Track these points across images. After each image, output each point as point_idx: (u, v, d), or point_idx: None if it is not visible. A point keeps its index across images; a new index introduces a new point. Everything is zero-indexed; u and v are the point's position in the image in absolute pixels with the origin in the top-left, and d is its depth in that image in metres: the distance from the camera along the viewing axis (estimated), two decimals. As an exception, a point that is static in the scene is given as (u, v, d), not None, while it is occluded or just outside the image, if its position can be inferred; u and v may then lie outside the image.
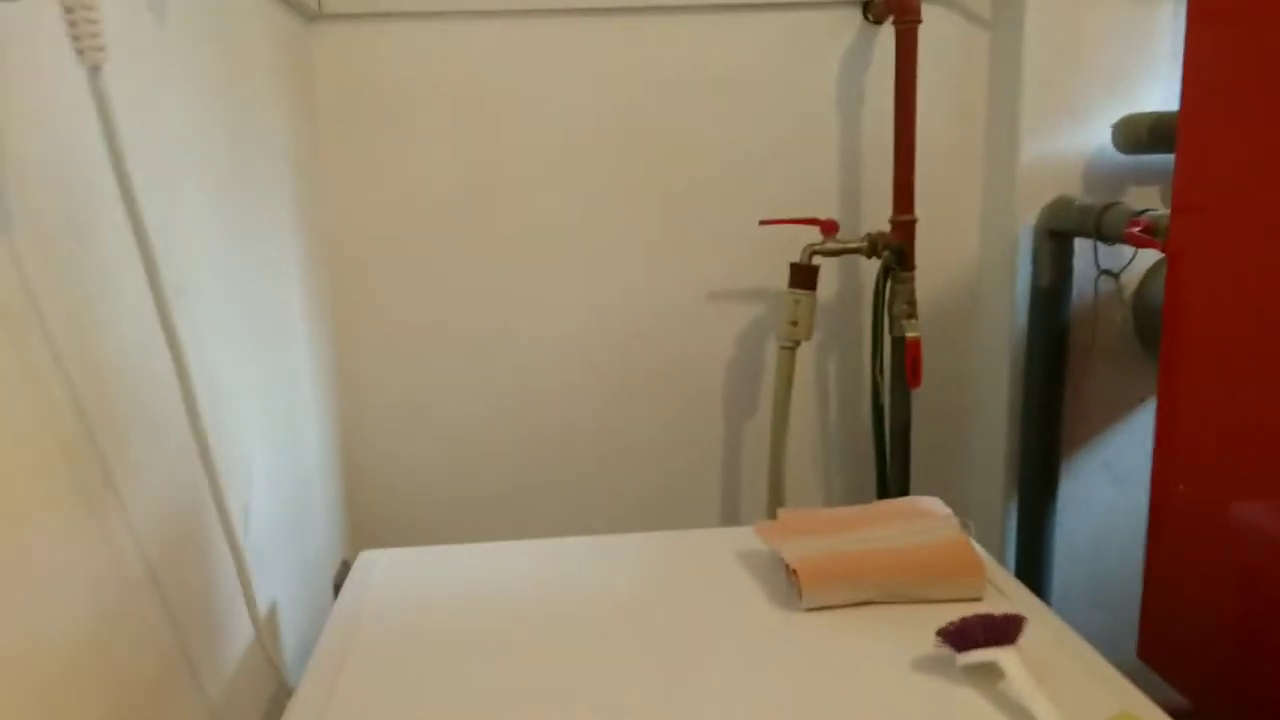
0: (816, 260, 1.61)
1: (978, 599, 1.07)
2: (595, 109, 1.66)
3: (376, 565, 1.25)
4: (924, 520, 1.16)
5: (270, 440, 1.32)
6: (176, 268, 1.01)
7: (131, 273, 0.87)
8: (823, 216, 1.63)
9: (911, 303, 1.66)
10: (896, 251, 1.66)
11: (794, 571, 1.08)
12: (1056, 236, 1.64)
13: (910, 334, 1.66)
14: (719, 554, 1.24)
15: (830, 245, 1.61)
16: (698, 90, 1.68)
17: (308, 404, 1.55)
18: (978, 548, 1.15)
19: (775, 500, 1.68)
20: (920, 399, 1.76)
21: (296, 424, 1.47)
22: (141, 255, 0.74)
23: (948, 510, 1.21)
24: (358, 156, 1.65)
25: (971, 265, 1.81)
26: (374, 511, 1.83)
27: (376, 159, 1.65)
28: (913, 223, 1.67)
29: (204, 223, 1.11)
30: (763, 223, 1.65)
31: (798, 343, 1.62)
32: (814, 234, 1.63)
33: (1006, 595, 1.09)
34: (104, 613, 0.81)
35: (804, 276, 1.60)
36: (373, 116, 1.64)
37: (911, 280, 1.66)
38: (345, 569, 1.79)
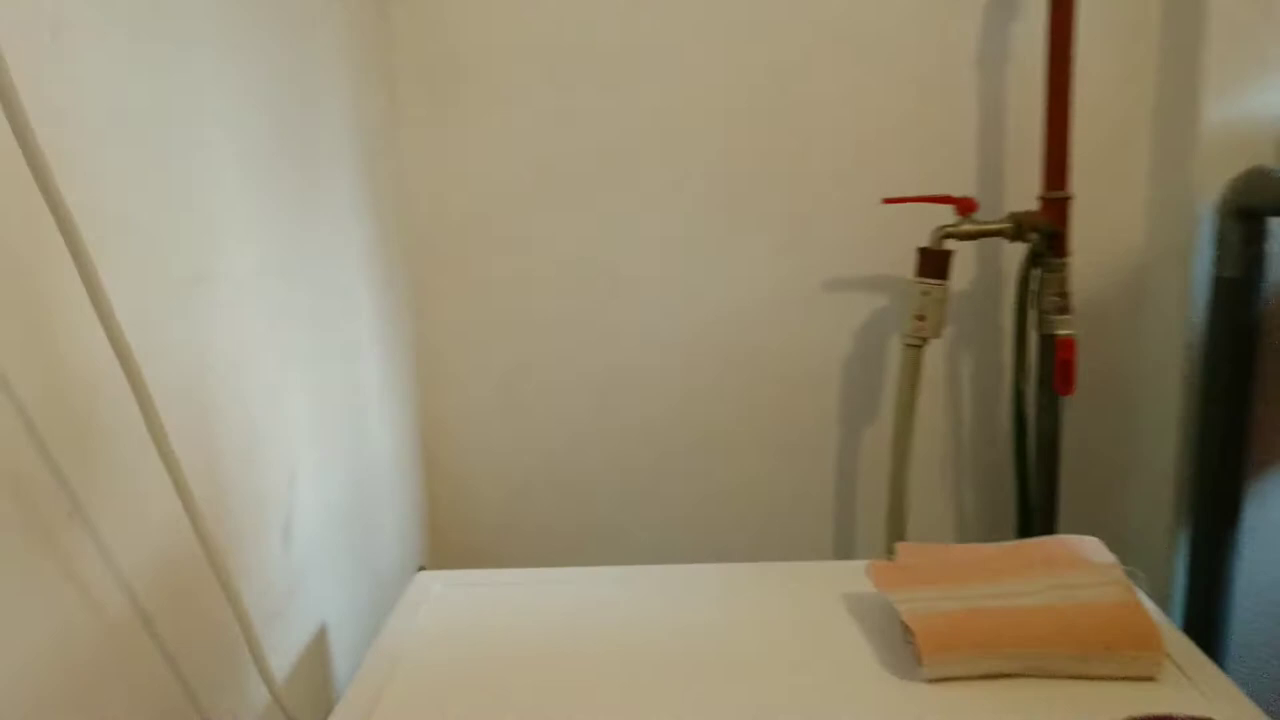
0: (949, 244, 1.40)
1: (1150, 678, 0.84)
2: (699, 72, 1.50)
3: (431, 589, 1.11)
4: (1080, 570, 0.94)
5: (324, 438, 1.20)
6: (196, 254, 0.89)
7: (113, 264, 0.73)
8: (958, 193, 1.42)
9: (1064, 295, 1.41)
10: (1047, 234, 1.41)
11: (913, 631, 0.88)
12: (1247, 216, 1.37)
13: (1061, 332, 1.41)
14: (824, 595, 1.05)
15: (966, 226, 1.39)
16: (811, 47, 1.50)
17: (376, 396, 1.43)
18: (1153, 610, 0.92)
19: (895, 525, 1.47)
20: (1072, 408, 1.52)
21: (361, 418, 1.35)
22: (65, 239, 0.60)
23: (1110, 556, 0.98)
24: (442, 126, 1.52)
25: (1137, 250, 1.54)
26: (456, 511, 1.71)
27: (463, 129, 1.52)
28: (1067, 200, 1.42)
29: (239, 200, 0.98)
30: (886, 201, 1.45)
31: (925, 340, 1.42)
32: (947, 213, 1.42)
33: (1188, 675, 0.86)
34: (75, 668, 0.68)
35: (934, 263, 1.40)
36: (460, 81, 1.51)
37: (1064, 268, 1.41)
38: (422, 575, 1.66)
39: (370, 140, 1.43)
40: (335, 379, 1.25)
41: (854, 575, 1.06)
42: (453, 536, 1.71)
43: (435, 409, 1.67)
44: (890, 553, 1.08)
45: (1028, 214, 1.44)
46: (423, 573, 1.15)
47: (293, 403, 1.10)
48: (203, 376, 0.89)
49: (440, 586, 1.11)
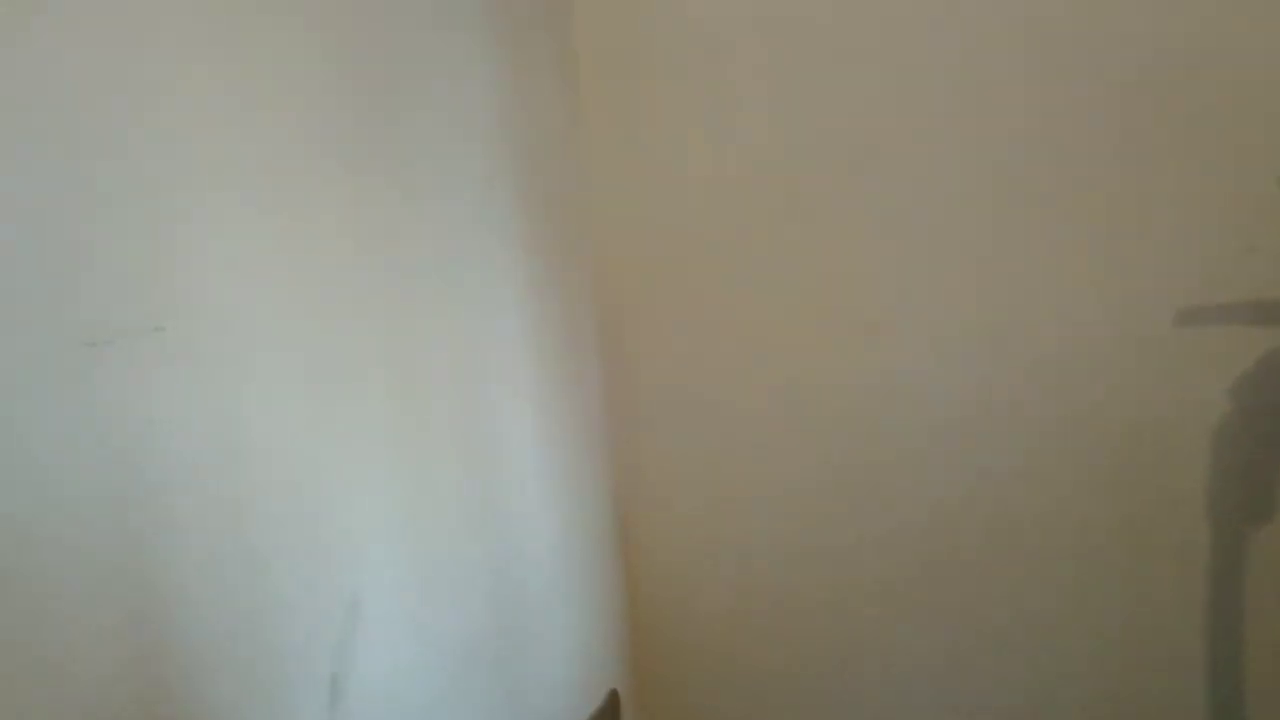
0: None
1: None
2: (985, 16, 1.18)
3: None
4: None
5: (421, 543, 0.93)
6: (167, 294, 0.62)
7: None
8: None
9: None
10: None
11: None
12: None
13: None
14: None
15: None
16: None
17: (536, 479, 1.16)
18: None
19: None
20: None
21: (503, 509, 1.09)
22: None
23: None
24: (633, 122, 1.30)
25: None
26: (662, 624, 1.41)
27: (661, 123, 1.30)
28: None
29: (254, 220, 0.73)
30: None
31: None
32: None
33: None
34: None
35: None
36: (656, 65, 1.29)
37: None
38: (614, 702, 1.35)
39: (531, 139, 1.17)
40: (447, 460, 0.99)
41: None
42: (661, 652, 1.42)
43: (630, 491, 1.39)
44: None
45: None
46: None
47: (354, 496, 0.82)
48: (149, 461, 0.62)
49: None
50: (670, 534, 1.39)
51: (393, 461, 0.87)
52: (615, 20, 1.31)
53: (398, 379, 0.89)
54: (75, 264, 0.56)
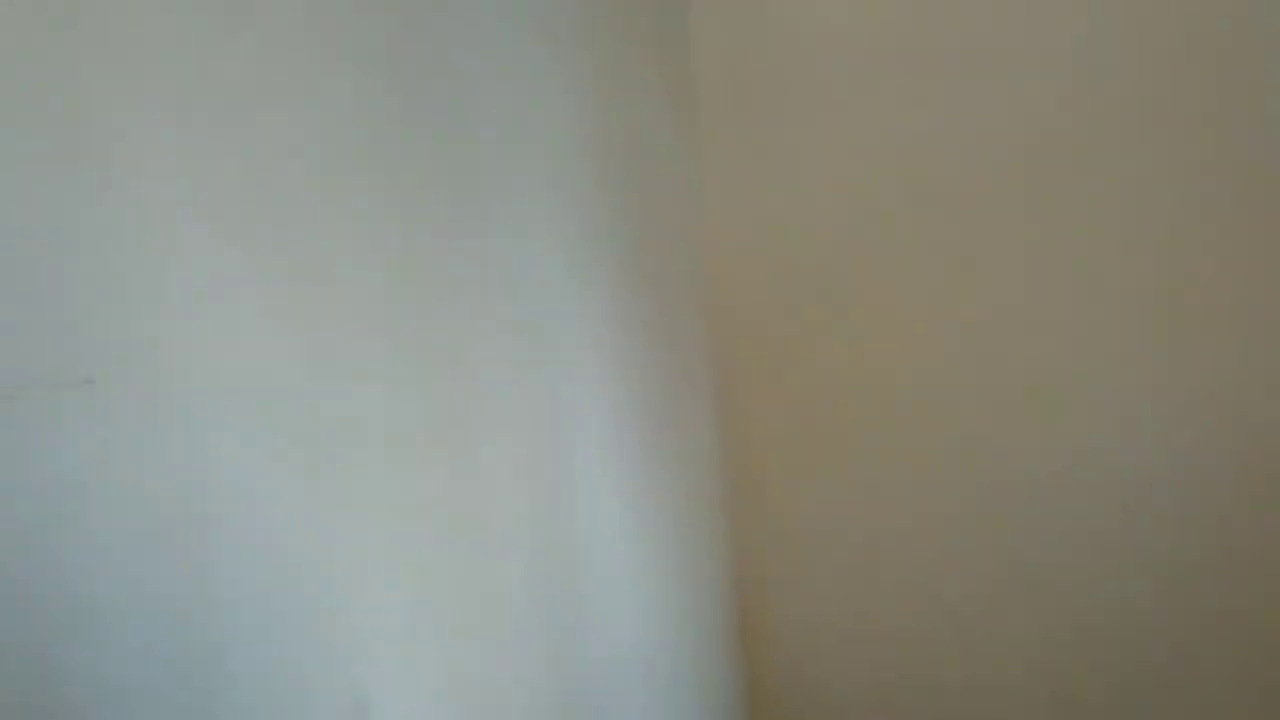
0: None
1: None
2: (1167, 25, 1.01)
3: None
4: None
5: (466, 633, 0.80)
6: (100, 341, 0.54)
7: None
8: None
9: None
10: None
11: None
12: None
13: None
14: None
15: None
16: None
17: (624, 557, 1.02)
18: None
19: None
20: None
21: (581, 601, 0.95)
22: None
23: None
24: (754, 147, 1.20)
25: None
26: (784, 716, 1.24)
27: (785, 150, 1.19)
28: None
29: (235, 249, 0.64)
30: None
31: None
32: None
33: None
34: None
35: None
36: (782, 85, 1.19)
37: None
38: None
39: (633, 166, 1.07)
40: (509, 539, 0.86)
41: None
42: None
43: (749, 571, 1.23)
44: None
45: None
46: None
47: (367, 584, 0.71)
48: (66, 534, 0.54)
49: None
50: (798, 619, 1.24)
51: (431, 544, 0.75)
52: (738, 41, 1.21)
53: (443, 444, 0.78)
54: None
